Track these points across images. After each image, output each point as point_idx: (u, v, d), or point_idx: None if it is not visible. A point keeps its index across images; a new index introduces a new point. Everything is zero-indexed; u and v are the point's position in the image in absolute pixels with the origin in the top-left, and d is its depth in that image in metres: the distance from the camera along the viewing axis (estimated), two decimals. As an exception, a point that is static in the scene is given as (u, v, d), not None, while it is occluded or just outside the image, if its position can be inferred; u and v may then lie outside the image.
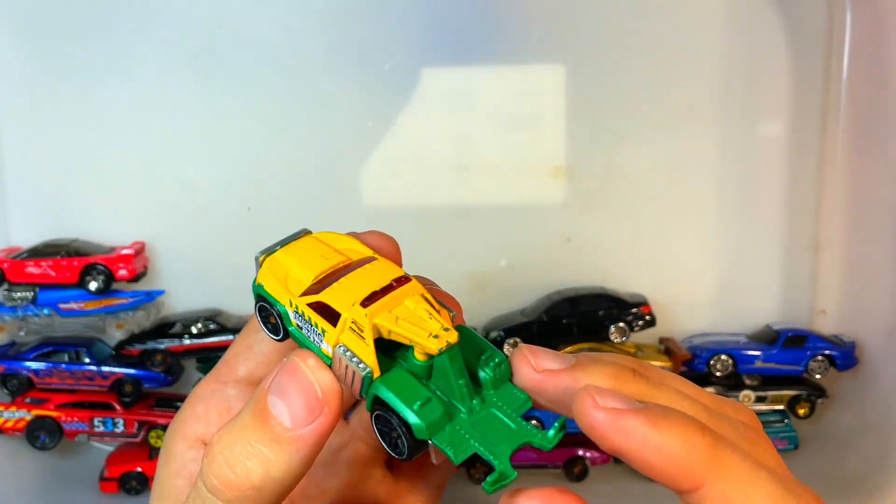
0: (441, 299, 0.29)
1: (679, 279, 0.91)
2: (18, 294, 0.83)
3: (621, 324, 0.84)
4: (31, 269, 0.83)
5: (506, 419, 0.26)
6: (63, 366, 0.84)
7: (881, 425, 0.81)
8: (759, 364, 0.86)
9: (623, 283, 0.88)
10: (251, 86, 0.86)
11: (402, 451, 0.27)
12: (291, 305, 0.29)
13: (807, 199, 0.89)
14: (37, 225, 0.87)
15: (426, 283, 0.31)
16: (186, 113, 0.86)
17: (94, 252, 0.84)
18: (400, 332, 0.27)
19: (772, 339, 0.86)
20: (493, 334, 0.84)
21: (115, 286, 0.84)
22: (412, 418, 0.26)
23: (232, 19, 0.85)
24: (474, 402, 0.27)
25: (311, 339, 0.28)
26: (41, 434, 0.83)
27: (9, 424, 0.83)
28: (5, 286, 0.83)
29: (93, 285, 0.83)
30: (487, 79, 0.87)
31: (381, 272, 0.28)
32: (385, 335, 0.27)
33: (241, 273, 0.89)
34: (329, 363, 0.28)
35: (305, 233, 0.31)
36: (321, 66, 0.86)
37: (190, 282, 0.89)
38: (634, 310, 0.85)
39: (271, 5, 0.86)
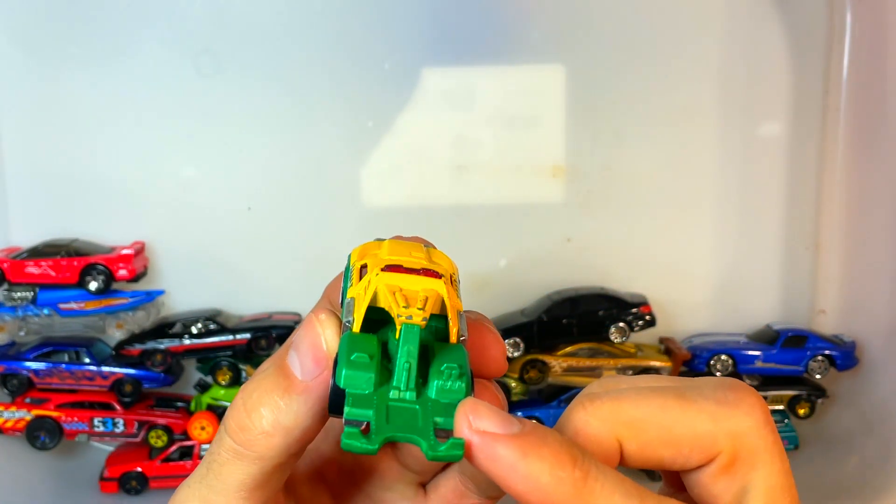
0: (471, 324, 0.30)
1: (679, 279, 0.91)
2: (18, 294, 0.83)
3: (621, 324, 0.84)
4: (31, 269, 0.83)
5: (420, 419, 0.26)
6: (63, 366, 0.84)
7: (881, 425, 0.81)
8: (759, 364, 0.85)
9: (623, 283, 0.88)
10: (251, 85, 0.86)
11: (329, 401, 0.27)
12: (353, 267, 0.30)
13: (807, 199, 0.89)
14: (37, 225, 0.87)
15: (475, 314, 0.31)
16: (186, 113, 0.87)
17: (94, 252, 0.84)
18: (389, 300, 0.27)
19: (772, 339, 0.86)
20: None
21: (115, 286, 0.84)
22: (341, 366, 0.26)
23: (232, 19, 0.85)
24: (410, 392, 0.27)
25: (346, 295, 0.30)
26: (41, 434, 0.83)
27: (9, 424, 0.83)
28: (5, 286, 0.83)
29: (93, 285, 0.83)
30: (487, 79, 0.87)
31: (423, 263, 0.29)
32: (381, 302, 0.28)
33: (242, 273, 0.90)
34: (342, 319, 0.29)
35: (426, 245, 0.32)
36: (321, 65, 0.86)
37: (190, 282, 0.89)
38: (634, 310, 0.85)
39: (271, 5, 0.86)
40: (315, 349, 0.28)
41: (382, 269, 0.28)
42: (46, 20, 0.85)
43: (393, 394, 0.27)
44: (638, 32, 0.87)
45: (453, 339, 0.28)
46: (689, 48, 0.87)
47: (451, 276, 0.30)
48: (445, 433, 0.26)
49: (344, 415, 0.26)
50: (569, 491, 0.24)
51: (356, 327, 0.28)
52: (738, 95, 0.88)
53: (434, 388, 0.27)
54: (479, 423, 0.25)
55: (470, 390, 0.27)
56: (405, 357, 0.27)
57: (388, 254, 0.30)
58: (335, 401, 0.27)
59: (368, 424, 0.26)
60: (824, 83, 0.87)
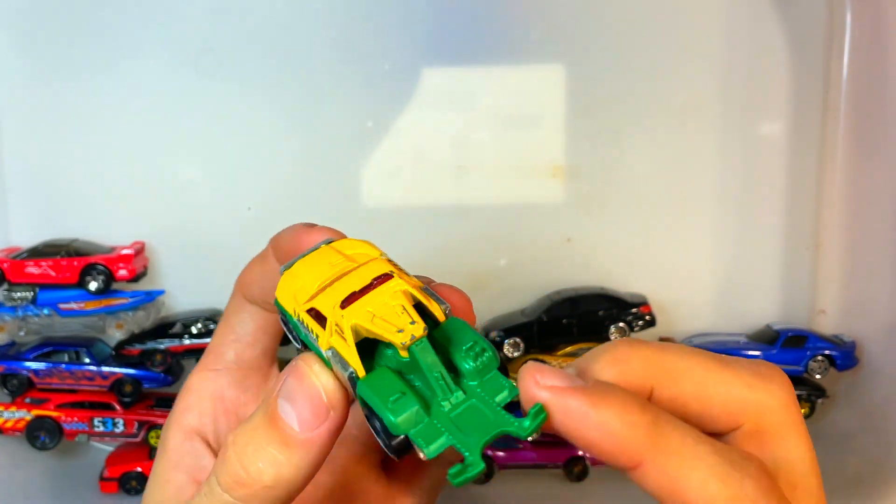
0: (438, 292, 0.29)
1: (679, 279, 0.91)
2: (18, 294, 0.84)
3: (621, 324, 0.84)
4: (31, 269, 0.83)
5: (485, 409, 0.26)
6: (63, 366, 0.84)
7: (881, 425, 0.81)
8: (759, 364, 0.85)
9: (623, 283, 0.88)
10: (251, 86, 0.86)
11: (387, 449, 0.27)
12: (296, 314, 0.29)
13: (807, 199, 0.89)
14: (37, 225, 0.87)
15: (423, 279, 0.31)
16: (186, 113, 0.87)
17: (94, 252, 0.84)
18: (374, 329, 0.27)
19: (772, 339, 0.86)
20: (493, 334, 0.84)
21: (115, 286, 0.84)
22: (386, 415, 0.26)
23: (232, 19, 0.86)
24: (455, 394, 0.26)
25: (315, 344, 0.29)
26: (41, 434, 0.83)
27: (9, 424, 0.83)
28: (5, 286, 0.83)
29: (93, 285, 0.83)
30: (487, 79, 0.87)
31: (368, 272, 0.28)
32: (365, 334, 0.27)
33: (241, 273, 0.89)
34: (329, 367, 0.28)
35: (326, 243, 0.31)
36: (321, 65, 0.86)
37: (190, 282, 0.89)
38: (634, 310, 0.85)
39: (271, 5, 0.86)
40: (314, 401, 0.27)
41: (342, 308, 0.27)
42: (46, 20, 0.85)
43: (444, 406, 0.26)
44: (638, 32, 0.87)
45: (441, 316, 0.28)
46: (689, 47, 0.87)
47: (389, 262, 0.29)
48: (513, 405, 0.26)
49: (427, 457, 0.25)
50: (642, 434, 0.24)
51: (361, 373, 0.27)
52: (738, 95, 0.88)
53: (469, 373, 0.27)
54: (547, 380, 0.25)
55: (496, 354, 0.27)
56: (432, 370, 0.26)
57: (315, 281, 0.29)
58: (397, 447, 0.26)
59: (451, 448, 0.25)
60: (824, 83, 0.87)
